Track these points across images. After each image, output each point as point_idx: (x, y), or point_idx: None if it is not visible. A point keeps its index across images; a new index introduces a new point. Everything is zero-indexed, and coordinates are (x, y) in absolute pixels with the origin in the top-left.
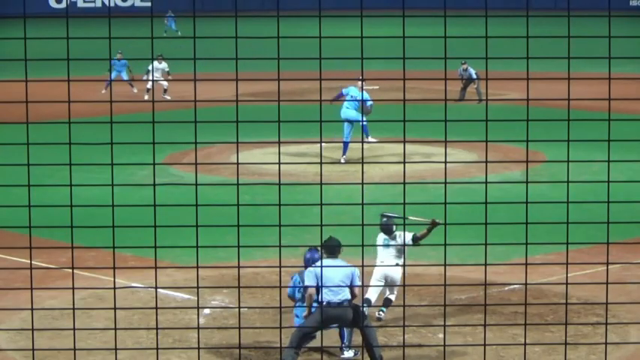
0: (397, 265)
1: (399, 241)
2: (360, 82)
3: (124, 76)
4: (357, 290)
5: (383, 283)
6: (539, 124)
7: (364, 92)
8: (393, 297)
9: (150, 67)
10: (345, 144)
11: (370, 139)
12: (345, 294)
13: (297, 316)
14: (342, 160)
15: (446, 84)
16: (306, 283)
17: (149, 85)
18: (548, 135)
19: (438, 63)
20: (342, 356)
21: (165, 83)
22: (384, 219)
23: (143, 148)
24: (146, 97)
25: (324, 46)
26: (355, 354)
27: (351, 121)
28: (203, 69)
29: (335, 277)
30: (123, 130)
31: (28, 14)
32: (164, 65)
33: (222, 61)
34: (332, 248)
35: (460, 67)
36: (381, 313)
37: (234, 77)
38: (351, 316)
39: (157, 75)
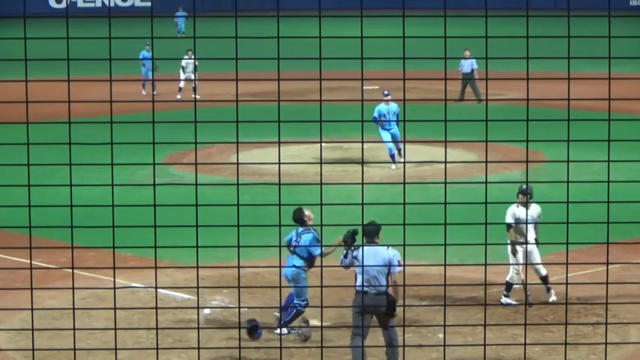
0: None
1: (531, 212)
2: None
3: (148, 71)
4: (396, 277)
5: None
6: (539, 124)
7: (393, 104)
8: (544, 272)
9: (183, 64)
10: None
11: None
12: (381, 282)
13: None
14: (393, 167)
15: (446, 84)
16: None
17: (181, 84)
18: (548, 135)
19: (438, 63)
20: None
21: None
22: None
23: (143, 148)
24: (178, 97)
25: (324, 46)
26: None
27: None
28: (203, 69)
29: (369, 262)
30: (123, 130)
31: (28, 14)
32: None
33: (222, 61)
34: (370, 232)
35: (461, 62)
36: (551, 295)
37: (234, 77)
38: (384, 305)
39: (190, 70)
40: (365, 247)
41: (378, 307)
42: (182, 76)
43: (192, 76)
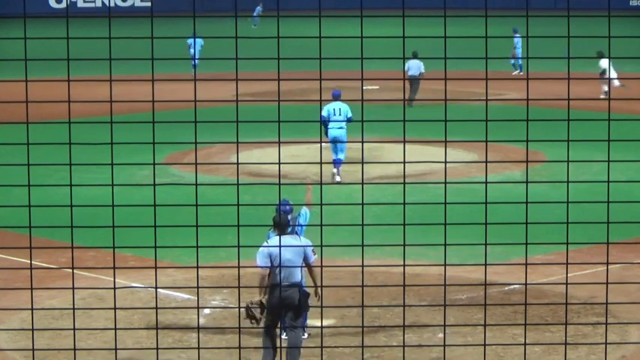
0: None
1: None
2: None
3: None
4: (313, 264)
5: None
6: (539, 124)
7: (345, 104)
8: None
9: None
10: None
11: (337, 178)
12: (296, 275)
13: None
14: (338, 178)
15: (446, 84)
16: (258, 263)
17: None
18: (548, 135)
19: (438, 63)
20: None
21: None
22: None
23: (143, 148)
24: None
25: (324, 46)
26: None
27: (340, 142)
28: (203, 69)
29: (285, 255)
30: (123, 130)
31: (28, 14)
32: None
33: (222, 61)
34: (281, 225)
35: (408, 63)
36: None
37: (234, 77)
38: (297, 298)
39: None
40: (276, 238)
41: (292, 300)
42: None
43: None
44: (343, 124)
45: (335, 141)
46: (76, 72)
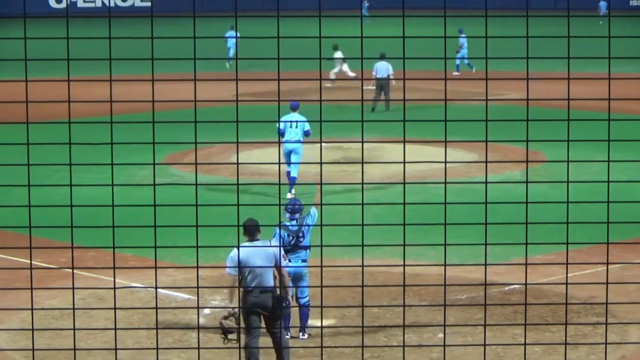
0: None
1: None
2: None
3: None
4: (283, 271)
5: None
6: (539, 124)
7: (303, 117)
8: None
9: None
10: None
11: (289, 195)
12: (268, 281)
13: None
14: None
15: (446, 84)
16: (227, 268)
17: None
18: (548, 135)
19: (438, 63)
20: (301, 337)
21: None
22: None
23: (143, 148)
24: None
25: (324, 46)
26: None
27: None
28: (204, 69)
29: (256, 261)
30: (123, 130)
31: (28, 14)
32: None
33: (223, 60)
34: (251, 229)
35: (375, 66)
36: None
37: (234, 77)
38: (270, 304)
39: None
40: (249, 246)
41: (265, 306)
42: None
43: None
44: (299, 138)
45: (289, 154)
46: (75, 72)
